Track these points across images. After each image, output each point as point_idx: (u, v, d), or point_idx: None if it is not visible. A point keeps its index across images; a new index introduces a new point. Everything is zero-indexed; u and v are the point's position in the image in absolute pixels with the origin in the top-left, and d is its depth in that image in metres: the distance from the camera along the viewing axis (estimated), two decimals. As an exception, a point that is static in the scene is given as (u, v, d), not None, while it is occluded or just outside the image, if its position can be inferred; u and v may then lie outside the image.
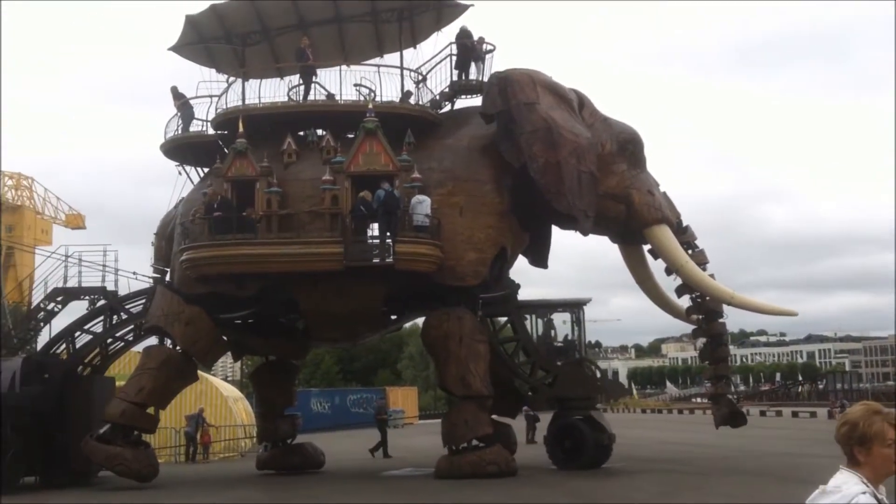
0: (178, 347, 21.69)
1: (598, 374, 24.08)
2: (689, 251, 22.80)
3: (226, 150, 21.53)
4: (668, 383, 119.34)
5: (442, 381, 21.76)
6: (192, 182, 23.32)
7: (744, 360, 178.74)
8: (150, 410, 21.76)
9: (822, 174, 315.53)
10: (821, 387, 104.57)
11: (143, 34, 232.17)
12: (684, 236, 23.03)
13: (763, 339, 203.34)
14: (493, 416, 21.81)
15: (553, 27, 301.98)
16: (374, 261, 20.24)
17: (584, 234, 22.40)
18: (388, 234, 20.21)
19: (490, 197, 21.51)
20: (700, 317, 22.94)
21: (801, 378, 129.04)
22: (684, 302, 23.38)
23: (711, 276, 22.63)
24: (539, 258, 24.62)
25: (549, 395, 22.55)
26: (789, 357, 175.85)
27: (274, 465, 24.04)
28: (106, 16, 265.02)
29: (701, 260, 22.75)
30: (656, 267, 23.44)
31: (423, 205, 20.49)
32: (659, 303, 24.62)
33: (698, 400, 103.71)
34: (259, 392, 26.49)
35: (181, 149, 23.25)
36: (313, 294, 21.11)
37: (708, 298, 22.43)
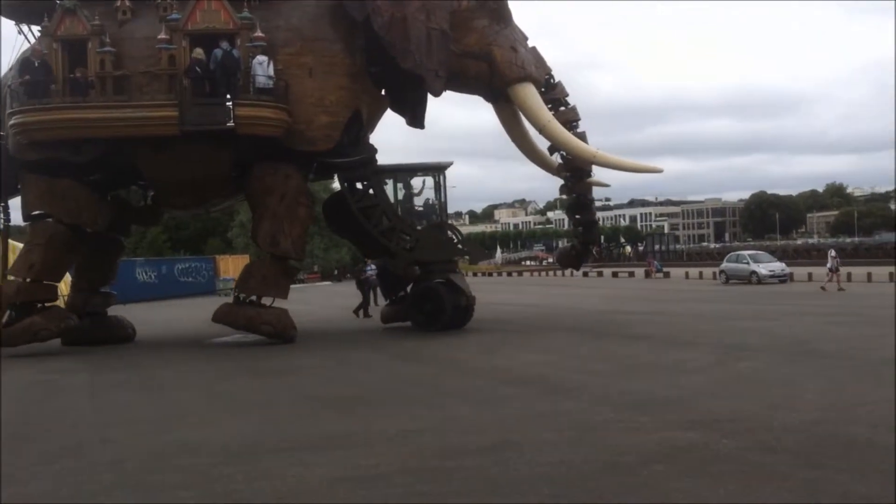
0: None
1: (458, 238, 23.84)
2: (561, 108, 22.81)
3: (64, 8, 20.20)
4: (498, 248, 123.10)
5: (253, 234, 21.38)
6: (29, 42, 21.81)
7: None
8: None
9: (642, 45, 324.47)
10: (640, 248, 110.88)
11: None
12: (553, 93, 22.92)
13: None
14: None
15: None
16: (213, 125, 19.58)
17: (436, 94, 22.00)
18: (228, 96, 19.62)
19: (341, 57, 20.87)
20: (567, 174, 23.44)
21: (623, 240, 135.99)
22: (559, 159, 23.57)
23: (582, 133, 22.59)
24: (415, 118, 23.87)
25: (409, 258, 22.25)
26: (613, 221, 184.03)
27: (78, 338, 22.36)
28: None
29: (570, 118, 22.70)
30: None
31: (263, 66, 19.91)
32: (536, 161, 24.56)
33: (528, 262, 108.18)
34: (77, 264, 24.57)
35: (19, 8, 21.51)
36: (154, 160, 20.46)
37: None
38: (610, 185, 25.39)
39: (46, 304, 21.21)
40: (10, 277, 21.21)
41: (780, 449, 7.93)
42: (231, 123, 19.56)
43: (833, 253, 37.47)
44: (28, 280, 20.68)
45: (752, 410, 9.84)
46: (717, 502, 6.35)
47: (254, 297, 20.79)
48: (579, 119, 23.02)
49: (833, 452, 7.72)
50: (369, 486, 7.21)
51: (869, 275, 40.38)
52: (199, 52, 19.66)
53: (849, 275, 37.49)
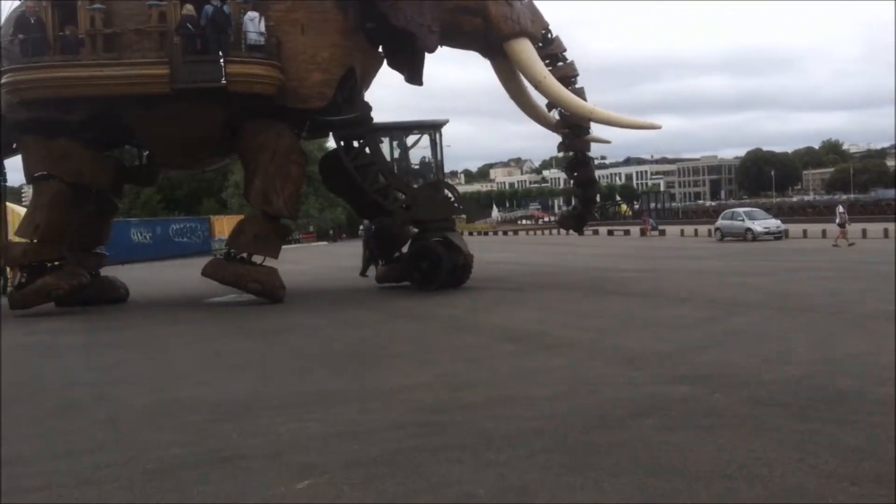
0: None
1: (455, 197, 23.62)
2: (558, 63, 22.56)
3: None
4: (494, 207, 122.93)
5: (245, 192, 21.35)
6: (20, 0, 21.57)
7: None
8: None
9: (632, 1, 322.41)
10: (636, 206, 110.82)
11: None
12: (550, 48, 22.64)
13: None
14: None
15: None
16: (205, 83, 19.38)
17: (429, 51, 21.72)
18: (220, 53, 19.44)
19: (333, 13, 20.65)
20: (566, 131, 23.26)
21: (619, 198, 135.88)
22: (557, 116, 23.35)
23: (580, 89, 22.40)
24: (413, 75, 23.27)
25: (406, 217, 22.27)
26: (608, 179, 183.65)
27: (70, 298, 21.74)
28: None
29: (568, 73, 22.47)
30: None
31: (254, 22, 19.71)
32: (535, 117, 24.30)
33: (524, 221, 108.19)
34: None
35: None
36: (147, 119, 20.31)
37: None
38: (610, 141, 25.20)
39: (56, 263, 21.17)
40: (16, 239, 21.09)
41: (771, 402, 7.97)
42: (223, 81, 19.39)
43: (841, 209, 37.43)
44: (34, 241, 20.62)
45: (744, 365, 9.88)
46: (708, 455, 6.40)
47: (244, 255, 20.79)
48: (577, 74, 22.78)
49: (823, 405, 7.76)
50: (362, 440, 7.25)
51: (864, 231, 40.44)
52: (189, 9, 19.44)
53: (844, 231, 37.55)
